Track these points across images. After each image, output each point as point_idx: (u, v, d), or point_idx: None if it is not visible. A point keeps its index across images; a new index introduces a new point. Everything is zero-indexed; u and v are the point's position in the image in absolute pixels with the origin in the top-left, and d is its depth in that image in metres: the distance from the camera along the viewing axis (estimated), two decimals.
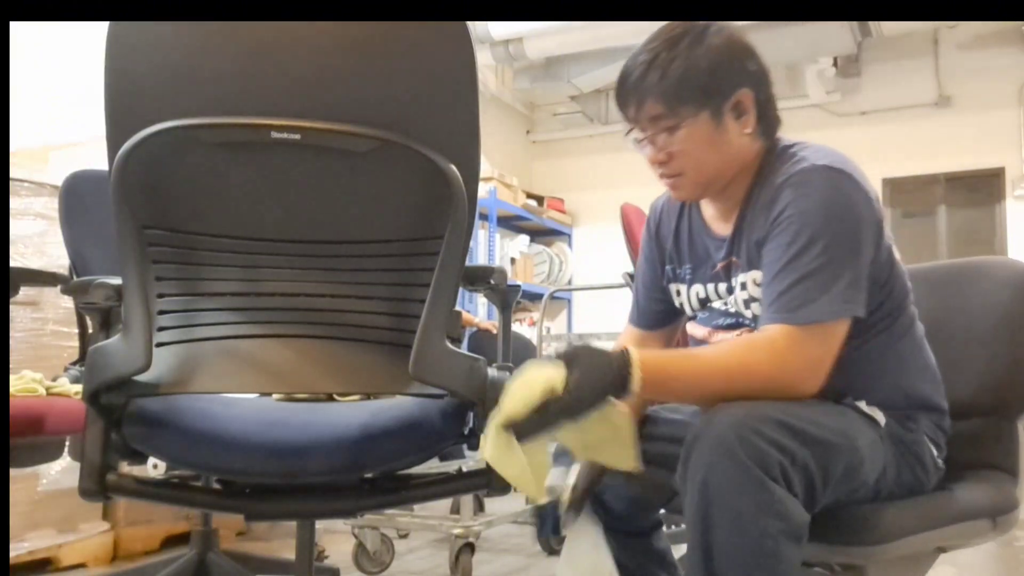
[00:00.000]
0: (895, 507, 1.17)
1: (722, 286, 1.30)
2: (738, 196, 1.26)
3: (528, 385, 1.02)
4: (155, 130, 0.94)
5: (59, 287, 1.70)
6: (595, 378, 1.04)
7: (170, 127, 0.94)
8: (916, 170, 6.08)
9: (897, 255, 1.26)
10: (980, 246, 5.89)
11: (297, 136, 0.97)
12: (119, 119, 0.96)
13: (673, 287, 1.39)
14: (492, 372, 1.11)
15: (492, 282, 1.26)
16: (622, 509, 1.34)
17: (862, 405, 1.20)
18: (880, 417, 1.20)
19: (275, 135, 0.96)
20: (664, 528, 1.44)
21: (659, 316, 1.44)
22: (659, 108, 1.19)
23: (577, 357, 1.04)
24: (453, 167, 1.01)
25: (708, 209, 1.33)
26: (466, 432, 1.16)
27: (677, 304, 1.40)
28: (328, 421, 1.22)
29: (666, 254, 1.40)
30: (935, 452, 1.25)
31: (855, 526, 1.11)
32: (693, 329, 1.39)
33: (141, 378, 1.02)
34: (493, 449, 1.01)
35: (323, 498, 1.13)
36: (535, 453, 1.03)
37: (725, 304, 1.30)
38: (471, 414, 1.15)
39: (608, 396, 1.05)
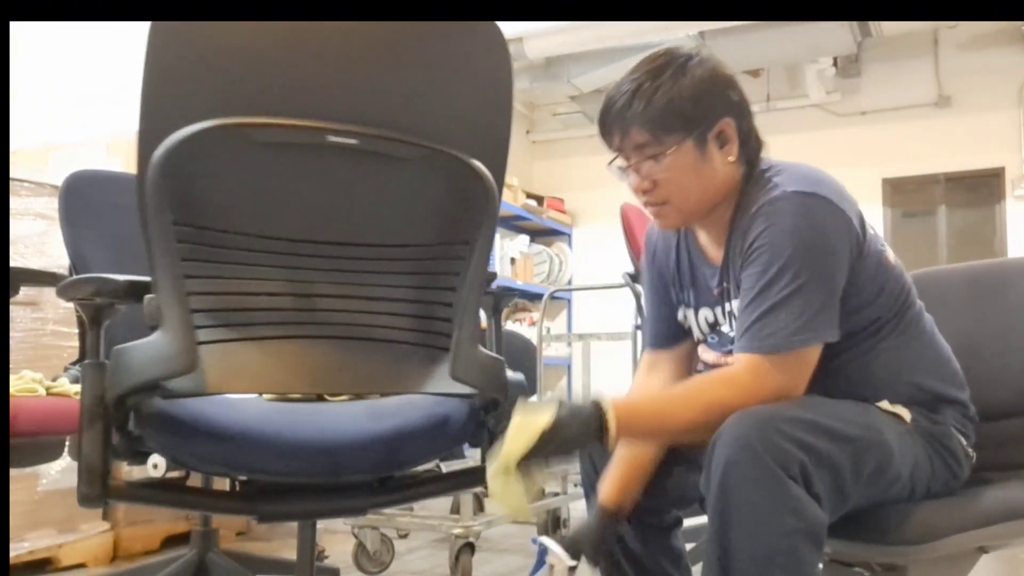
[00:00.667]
0: (937, 506, 1.17)
1: (726, 309, 1.31)
2: (724, 222, 1.27)
3: (527, 427, 1.06)
4: (211, 125, 0.91)
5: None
6: (576, 430, 1.09)
7: (226, 124, 0.92)
8: (916, 170, 6.08)
9: (891, 258, 1.26)
10: (980, 246, 5.89)
11: (354, 141, 0.96)
12: (154, 115, 0.94)
13: (680, 311, 1.41)
14: (508, 372, 1.16)
15: (492, 286, 1.29)
16: (648, 501, 1.35)
17: (885, 404, 1.21)
18: (905, 413, 1.20)
19: (331, 139, 0.96)
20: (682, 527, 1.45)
21: (673, 335, 1.44)
22: (644, 136, 1.20)
23: (560, 410, 1.09)
24: (490, 175, 1.02)
25: (701, 235, 1.35)
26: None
27: (686, 328, 1.41)
28: (354, 421, 1.22)
29: (669, 279, 1.41)
30: (964, 442, 1.25)
31: (897, 525, 1.11)
32: (704, 354, 1.40)
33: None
34: (500, 486, 1.06)
35: (333, 497, 1.13)
36: (529, 480, 1.08)
37: (731, 329, 1.31)
38: (485, 411, 1.18)
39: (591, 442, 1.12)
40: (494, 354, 1.12)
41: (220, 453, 1.06)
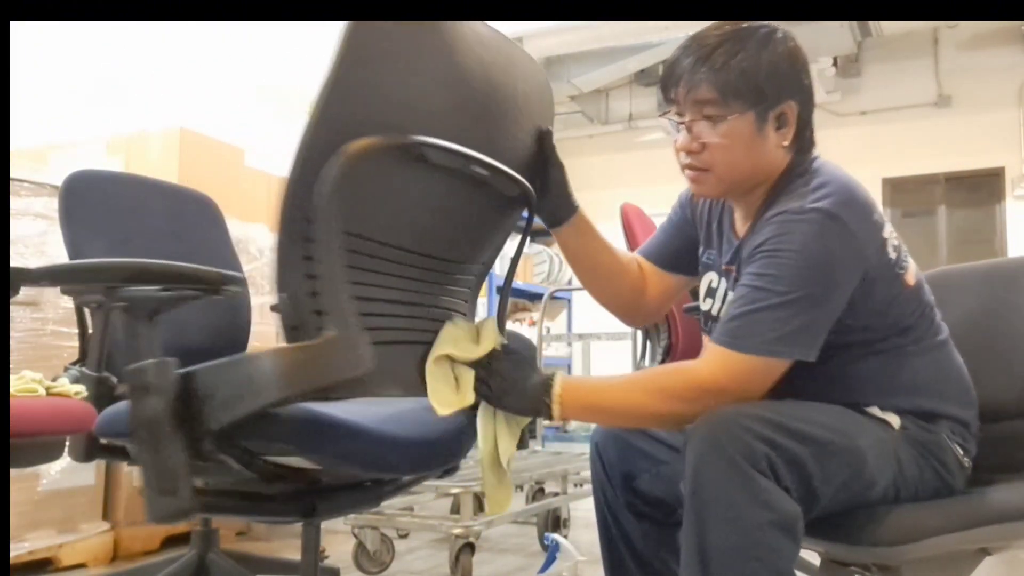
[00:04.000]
0: (920, 508, 1.16)
1: (725, 286, 1.32)
2: (756, 205, 1.26)
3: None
4: (394, 141, 0.98)
5: (59, 287, 1.69)
6: (516, 400, 1.14)
7: (405, 142, 0.99)
8: (916, 170, 6.08)
9: (910, 279, 1.24)
10: (980, 246, 5.90)
11: (486, 173, 1.08)
12: (332, 119, 0.95)
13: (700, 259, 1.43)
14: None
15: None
16: (655, 496, 1.35)
17: (875, 410, 1.20)
18: (895, 420, 1.20)
19: (474, 169, 1.07)
20: None
21: (666, 260, 1.46)
22: (711, 94, 1.18)
23: (505, 372, 1.13)
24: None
25: (736, 210, 1.34)
26: None
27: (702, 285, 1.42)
28: (422, 418, 1.28)
29: (699, 224, 1.42)
30: (960, 452, 1.24)
31: (876, 526, 1.11)
32: (708, 344, 1.40)
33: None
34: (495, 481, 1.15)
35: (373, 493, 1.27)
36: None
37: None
38: None
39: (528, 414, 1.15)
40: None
41: (360, 452, 1.12)
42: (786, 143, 1.22)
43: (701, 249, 1.41)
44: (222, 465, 1.09)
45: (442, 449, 1.23)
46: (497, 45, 1.18)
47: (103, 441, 1.44)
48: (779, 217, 1.16)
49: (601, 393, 1.18)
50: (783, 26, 1.25)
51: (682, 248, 1.44)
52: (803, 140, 1.24)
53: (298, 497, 1.20)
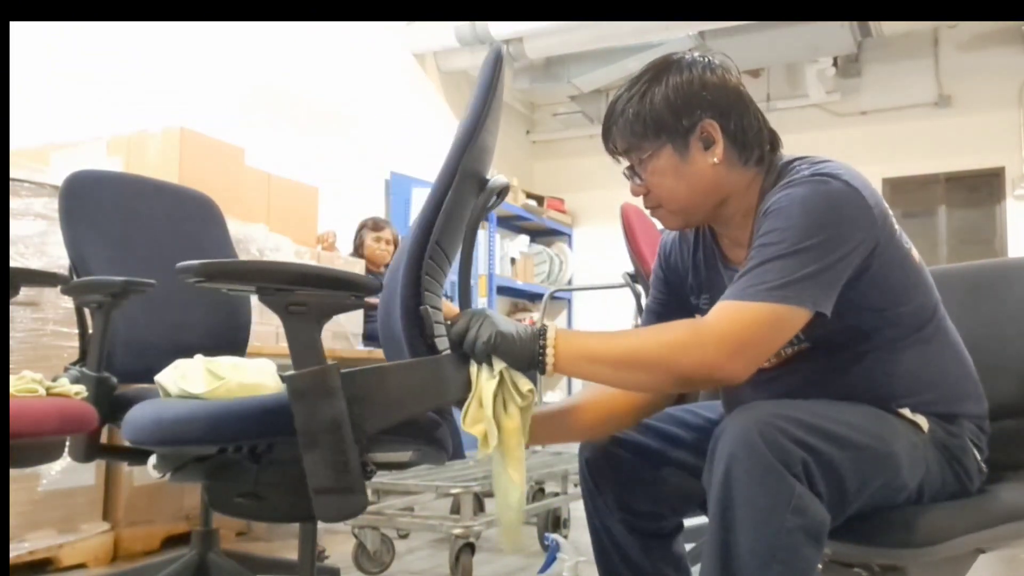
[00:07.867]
0: (941, 509, 1.16)
1: None
2: (739, 222, 1.26)
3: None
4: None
5: (59, 287, 1.70)
6: (508, 347, 1.13)
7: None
8: (916, 170, 6.08)
9: (917, 258, 1.24)
10: (980, 246, 5.90)
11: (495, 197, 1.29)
12: (465, 166, 1.12)
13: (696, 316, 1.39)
14: None
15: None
16: (647, 509, 1.34)
17: (906, 412, 1.19)
18: (923, 423, 1.19)
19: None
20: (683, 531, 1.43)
21: (674, 312, 1.41)
22: (625, 143, 1.25)
23: (497, 349, 1.13)
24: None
25: (724, 239, 1.33)
26: None
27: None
28: None
29: (687, 286, 1.39)
30: (978, 456, 1.24)
31: (901, 528, 1.10)
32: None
33: None
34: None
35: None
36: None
37: None
38: None
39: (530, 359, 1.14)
40: None
41: (447, 442, 1.24)
42: (716, 159, 1.21)
43: (693, 298, 1.38)
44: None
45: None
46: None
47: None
48: (780, 187, 1.16)
49: (599, 340, 1.16)
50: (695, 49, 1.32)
51: (682, 296, 1.41)
52: (743, 148, 1.23)
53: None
